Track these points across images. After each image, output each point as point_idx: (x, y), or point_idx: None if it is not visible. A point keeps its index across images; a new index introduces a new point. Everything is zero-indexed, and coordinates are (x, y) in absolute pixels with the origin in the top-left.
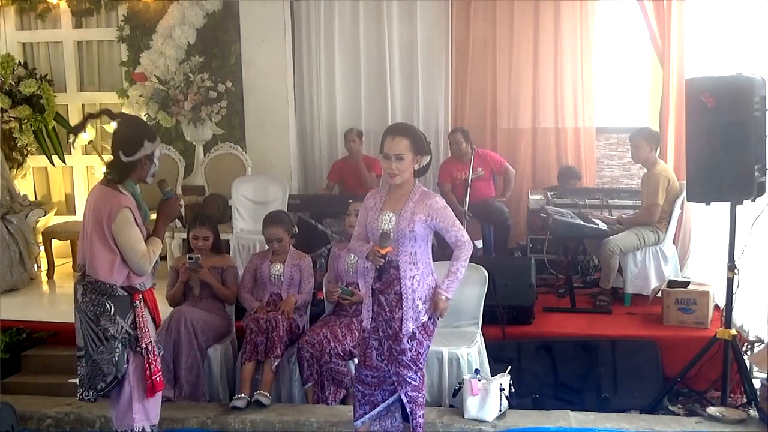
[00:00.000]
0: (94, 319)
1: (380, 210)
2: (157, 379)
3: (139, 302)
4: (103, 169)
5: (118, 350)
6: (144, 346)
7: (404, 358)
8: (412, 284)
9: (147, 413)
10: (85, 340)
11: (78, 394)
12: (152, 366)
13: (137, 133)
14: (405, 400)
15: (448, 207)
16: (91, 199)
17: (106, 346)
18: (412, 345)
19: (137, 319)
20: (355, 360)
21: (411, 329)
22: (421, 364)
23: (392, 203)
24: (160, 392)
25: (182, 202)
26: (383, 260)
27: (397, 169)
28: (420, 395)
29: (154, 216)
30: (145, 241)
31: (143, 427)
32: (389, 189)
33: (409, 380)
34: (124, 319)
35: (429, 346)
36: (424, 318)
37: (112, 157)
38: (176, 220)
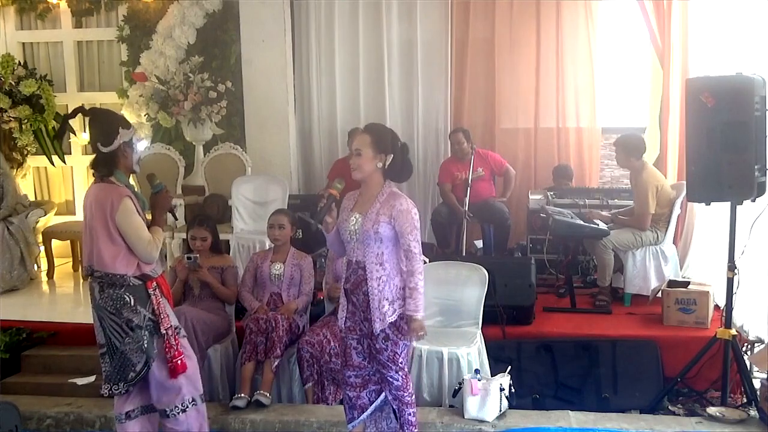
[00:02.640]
0: (115, 312)
1: (350, 211)
2: (179, 362)
3: (154, 290)
4: (92, 171)
5: (145, 337)
6: (164, 330)
7: (381, 357)
8: (378, 285)
9: (193, 383)
10: (108, 336)
11: (106, 391)
12: (173, 350)
13: (111, 123)
14: (390, 398)
15: (413, 212)
16: (90, 197)
17: (132, 336)
18: (387, 345)
19: (154, 305)
20: None
21: (379, 330)
22: (401, 363)
23: (361, 205)
24: (196, 366)
25: (181, 202)
26: (325, 199)
27: (355, 164)
28: (406, 394)
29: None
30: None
31: (192, 397)
32: (361, 190)
33: (392, 380)
34: (145, 308)
35: (407, 345)
36: (392, 318)
37: (95, 155)
38: (169, 213)
